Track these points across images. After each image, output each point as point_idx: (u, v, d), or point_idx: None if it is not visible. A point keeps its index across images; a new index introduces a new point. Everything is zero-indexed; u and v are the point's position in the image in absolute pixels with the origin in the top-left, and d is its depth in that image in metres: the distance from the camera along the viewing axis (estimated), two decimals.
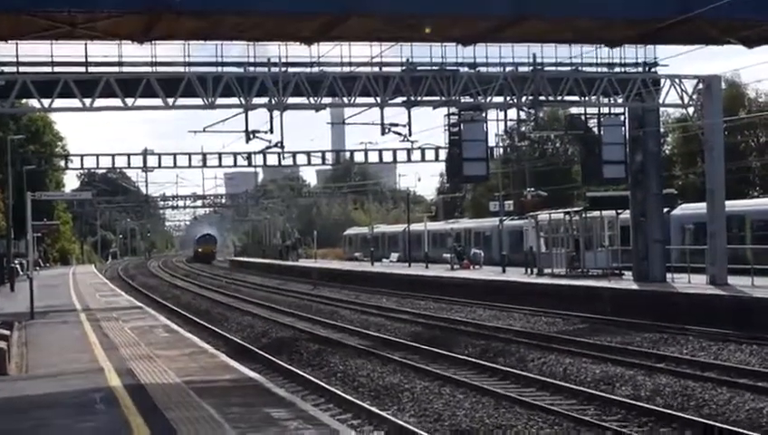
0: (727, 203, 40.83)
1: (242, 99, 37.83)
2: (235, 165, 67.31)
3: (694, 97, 41.27)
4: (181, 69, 37.65)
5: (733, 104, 68.71)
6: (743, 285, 36.09)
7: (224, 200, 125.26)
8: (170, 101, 37.28)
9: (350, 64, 38.86)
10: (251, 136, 39.03)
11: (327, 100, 39.12)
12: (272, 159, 62.88)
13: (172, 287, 69.97)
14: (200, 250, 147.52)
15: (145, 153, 67.21)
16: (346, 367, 25.32)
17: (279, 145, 40.39)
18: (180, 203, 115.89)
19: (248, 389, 16.36)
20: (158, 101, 37.39)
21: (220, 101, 37.76)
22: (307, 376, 23.30)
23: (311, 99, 38.46)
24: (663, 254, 42.89)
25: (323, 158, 70.04)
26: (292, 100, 38.42)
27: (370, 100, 39.28)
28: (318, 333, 33.82)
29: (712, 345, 27.25)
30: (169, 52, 37.68)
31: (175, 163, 67.03)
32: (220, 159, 65.62)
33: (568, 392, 20.64)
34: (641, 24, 35.73)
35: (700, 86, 41.08)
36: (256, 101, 38.22)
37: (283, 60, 38.39)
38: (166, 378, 17.64)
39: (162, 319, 32.61)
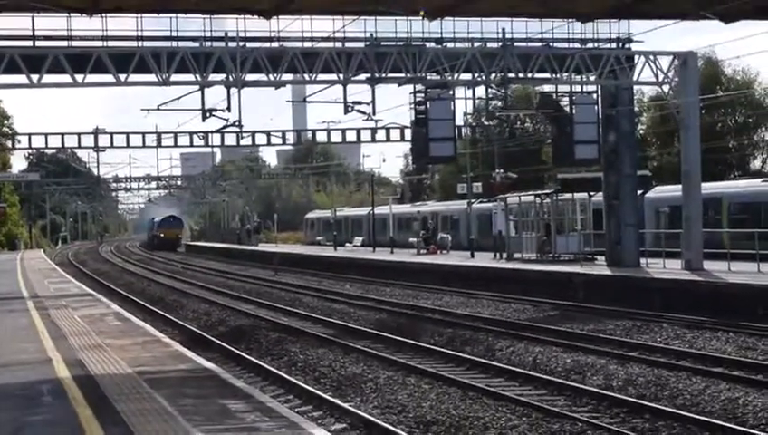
0: (703, 185, 40.33)
1: (198, 75, 36.98)
2: (192, 145, 65.76)
3: (669, 74, 40.57)
4: (134, 44, 36.57)
5: (710, 82, 68.03)
6: (719, 270, 35.78)
7: (179, 182, 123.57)
8: (122, 77, 36.30)
9: (312, 39, 38.06)
10: (207, 114, 38.24)
11: (287, 76, 38.52)
12: (230, 139, 61.60)
13: (125, 273, 69.06)
14: (162, 235, 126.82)
15: (96, 132, 65.79)
16: (307, 356, 24.73)
17: (237, 124, 39.47)
18: (134, 185, 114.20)
19: (204, 380, 15.84)
20: (109, 78, 36.39)
21: (175, 77, 36.82)
22: (266, 366, 22.76)
23: (270, 75, 37.59)
24: (637, 238, 42.25)
25: (284, 137, 68.64)
26: (250, 76, 37.60)
27: (333, 77, 38.37)
28: (278, 321, 33.08)
29: (687, 333, 26.79)
30: (121, 25, 36.57)
31: (128, 143, 65.40)
32: (176, 138, 64.01)
33: (537, 382, 20.25)
34: None
35: (676, 63, 40.28)
36: (213, 77, 37.32)
37: (241, 34, 37.63)
38: (117, 368, 17.12)
39: (114, 307, 31.86)
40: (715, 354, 22.76)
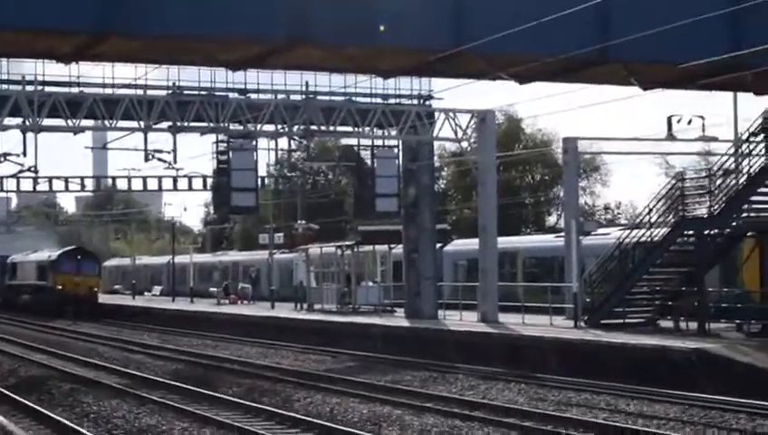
0: (500, 239, 41.12)
1: None
2: None
3: (468, 131, 41.28)
4: None
5: (510, 140, 69.84)
6: (513, 322, 36.56)
7: None
8: None
9: (113, 86, 37.41)
10: (2, 159, 37.16)
11: (87, 122, 37.63)
12: (26, 184, 59.81)
13: None
14: (61, 287, 69.70)
15: None
16: (100, 408, 24.05)
17: (33, 169, 38.43)
18: None
19: None
20: None
21: None
22: (57, 418, 21.90)
23: (69, 121, 36.75)
24: (435, 290, 42.89)
25: (83, 184, 67.14)
26: (48, 121, 36.79)
27: (134, 124, 37.83)
28: (73, 371, 32.12)
29: (481, 384, 27.31)
30: None
31: None
32: None
33: (334, 433, 20.08)
34: (412, 55, 35.30)
35: (474, 120, 41.10)
36: (8, 121, 36.47)
37: (39, 78, 36.62)
38: None
39: None
40: (508, 405, 23.12)
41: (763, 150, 32.93)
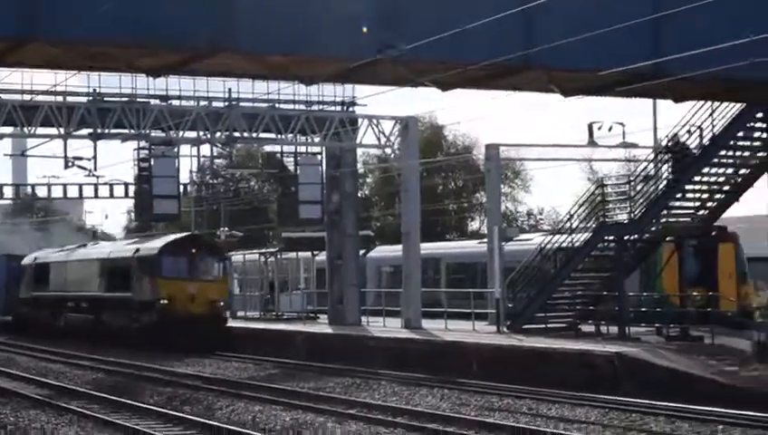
0: (423, 246, 41.24)
1: None
2: None
3: (391, 138, 41.38)
4: None
5: (433, 147, 70.12)
6: (436, 328, 36.73)
7: None
8: None
9: (32, 92, 36.88)
10: None
11: (5, 129, 37.14)
12: None
13: None
14: (166, 301, 41.08)
15: None
16: (18, 418, 23.69)
17: None
18: None
19: None
20: None
21: None
22: None
23: None
24: (358, 297, 42.89)
25: (1, 191, 66.31)
26: None
27: (53, 131, 37.28)
28: None
29: (404, 390, 27.35)
30: None
31: None
32: None
33: None
34: (334, 63, 35.20)
35: (398, 127, 41.22)
36: None
37: None
38: None
39: None
40: (431, 411, 23.17)
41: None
